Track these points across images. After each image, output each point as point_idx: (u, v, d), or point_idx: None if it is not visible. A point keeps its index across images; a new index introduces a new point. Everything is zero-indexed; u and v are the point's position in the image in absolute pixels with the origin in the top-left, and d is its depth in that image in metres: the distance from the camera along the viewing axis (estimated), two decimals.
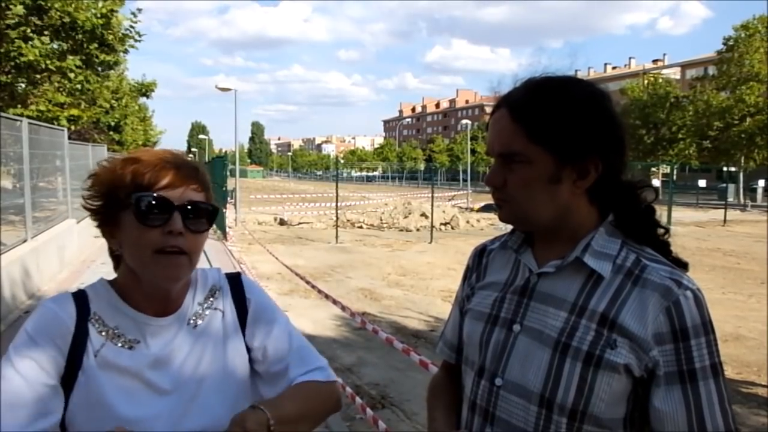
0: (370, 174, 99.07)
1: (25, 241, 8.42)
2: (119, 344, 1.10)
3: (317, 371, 1.23)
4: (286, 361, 1.22)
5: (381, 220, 20.59)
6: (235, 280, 1.27)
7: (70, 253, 10.83)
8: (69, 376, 1.06)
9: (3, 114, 8.57)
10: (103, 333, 1.10)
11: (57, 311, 1.09)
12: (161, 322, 1.14)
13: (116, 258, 1.19)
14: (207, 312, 1.20)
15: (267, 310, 1.26)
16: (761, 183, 36.56)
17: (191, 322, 1.17)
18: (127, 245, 1.10)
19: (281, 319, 1.27)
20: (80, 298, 1.14)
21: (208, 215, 1.12)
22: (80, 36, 12.21)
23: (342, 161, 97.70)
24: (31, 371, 1.04)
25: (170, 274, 1.09)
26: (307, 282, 6.65)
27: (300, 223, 20.59)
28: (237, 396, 1.17)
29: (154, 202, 1.06)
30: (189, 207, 1.09)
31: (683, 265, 1.10)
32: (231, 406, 1.12)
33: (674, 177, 25.38)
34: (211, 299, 1.22)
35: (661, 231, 1.14)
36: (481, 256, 1.32)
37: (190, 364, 1.14)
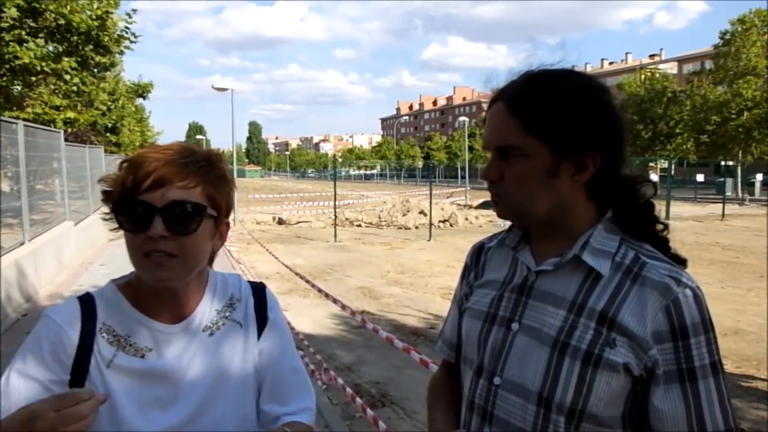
0: (368, 172, 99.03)
1: (22, 243, 8.40)
2: (131, 353, 1.06)
3: (306, 413, 1.21)
4: (282, 390, 1.21)
5: (380, 218, 20.59)
6: (259, 294, 1.24)
7: (68, 255, 10.80)
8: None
9: None
10: (114, 343, 1.06)
11: (59, 323, 1.06)
12: (173, 329, 1.10)
13: None
14: (224, 322, 1.16)
15: (281, 333, 1.24)
16: (759, 177, 36.56)
17: (207, 329, 1.14)
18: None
19: (291, 347, 1.26)
20: (87, 305, 1.09)
21: (195, 214, 1.05)
22: (75, 38, 12.16)
23: (340, 160, 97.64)
24: (31, 389, 1.02)
25: (159, 277, 1.04)
26: (307, 281, 6.63)
27: (298, 222, 20.57)
28: (246, 410, 1.16)
29: (135, 207, 1.02)
30: (173, 208, 1.02)
31: (682, 262, 1.09)
32: (242, 419, 1.13)
33: (672, 172, 25.40)
34: (230, 309, 1.18)
35: (659, 227, 1.12)
36: (479, 254, 1.30)
37: (204, 374, 1.11)
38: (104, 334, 1.07)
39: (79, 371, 1.04)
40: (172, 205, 1.02)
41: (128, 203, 1.03)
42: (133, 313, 1.09)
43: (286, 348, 1.24)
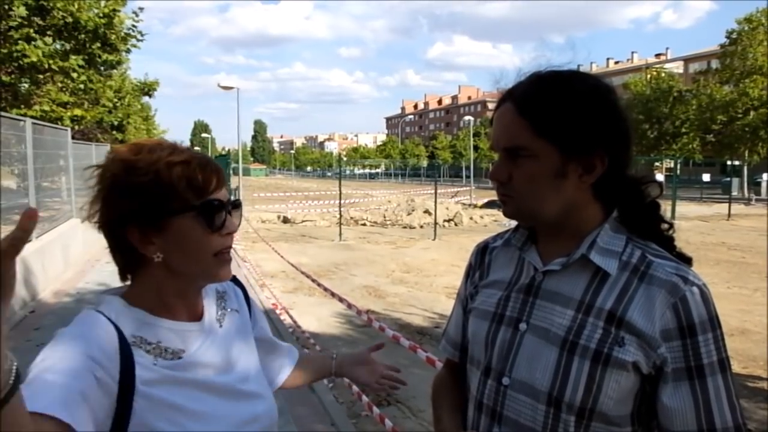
0: (373, 171, 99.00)
1: (29, 240, 8.44)
2: (169, 357, 1.06)
3: (293, 351, 1.50)
4: (273, 348, 1.41)
5: (384, 217, 20.59)
6: (237, 282, 1.34)
7: (75, 252, 10.85)
8: (122, 403, 0.97)
9: (7, 114, 8.60)
10: (151, 351, 1.04)
11: (101, 325, 1.00)
12: (196, 326, 1.13)
13: (128, 266, 1.10)
14: (225, 312, 1.23)
15: (259, 310, 1.39)
16: (765, 177, 36.37)
17: (217, 322, 1.20)
18: (179, 250, 1.05)
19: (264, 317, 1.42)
20: (109, 320, 1.04)
21: (240, 208, 1.17)
22: (83, 36, 12.23)
23: (345, 159, 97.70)
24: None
25: (227, 273, 1.12)
26: (313, 280, 6.65)
27: (303, 221, 20.60)
28: (264, 380, 1.27)
29: (217, 206, 1.06)
30: (233, 204, 1.11)
31: (687, 260, 1.10)
32: (269, 390, 1.26)
33: (678, 171, 25.32)
34: (223, 300, 1.25)
35: (665, 226, 1.13)
36: (483, 253, 1.31)
37: (232, 360, 1.17)
38: (139, 345, 1.03)
39: (125, 382, 0.98)
40: (230, 203, 1.10)
41: (213, 202, 1.06)
42: (155, 321, 1.07)
43: (263, 318, 1.40)
